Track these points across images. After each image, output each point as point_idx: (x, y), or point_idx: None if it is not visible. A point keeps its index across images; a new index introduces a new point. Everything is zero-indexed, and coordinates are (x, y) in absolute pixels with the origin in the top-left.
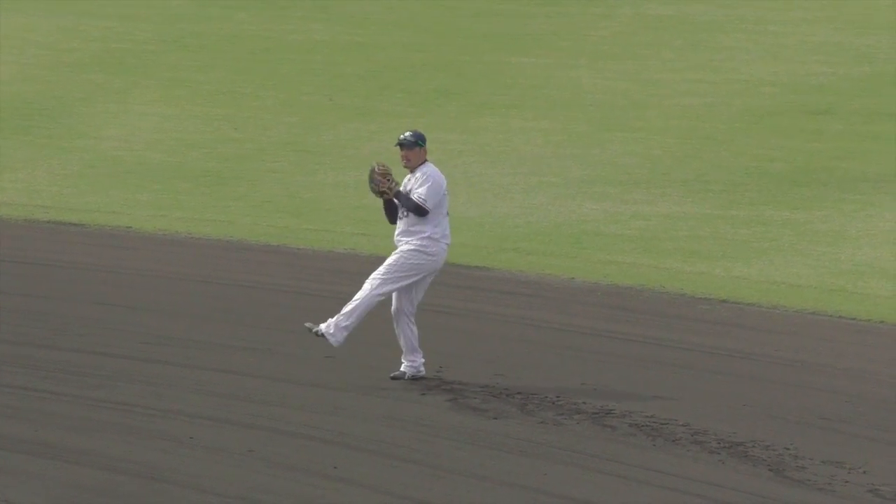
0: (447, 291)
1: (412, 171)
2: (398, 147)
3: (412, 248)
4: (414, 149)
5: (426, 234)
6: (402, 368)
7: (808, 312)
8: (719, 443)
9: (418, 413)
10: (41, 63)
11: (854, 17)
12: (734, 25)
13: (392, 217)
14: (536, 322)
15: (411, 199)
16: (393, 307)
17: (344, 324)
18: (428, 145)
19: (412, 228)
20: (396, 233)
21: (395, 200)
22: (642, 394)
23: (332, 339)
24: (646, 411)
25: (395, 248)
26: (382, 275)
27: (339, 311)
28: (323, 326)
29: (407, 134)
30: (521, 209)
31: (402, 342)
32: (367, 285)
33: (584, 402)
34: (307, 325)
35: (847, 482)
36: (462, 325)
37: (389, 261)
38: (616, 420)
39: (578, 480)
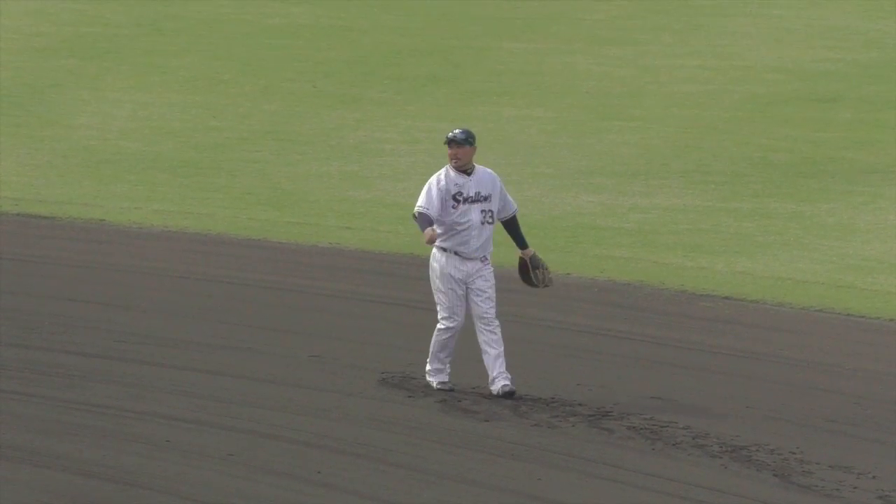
0: None
1: (465, 171)
2: (452, 143)
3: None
4: (464, 147)
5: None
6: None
7: (814, 310)
8: (721, 446)
9: (406, 415)
10: (9, 48)
11: None
12: (737, 9)
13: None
14: (530, 320)
15: (517, 225)
16: None
17: (429, 368)
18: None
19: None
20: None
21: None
22: (641, 395)
23: (435, 384)
24: (645, 413)
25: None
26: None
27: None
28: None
29: (457, 131)
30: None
31: None
32: None
33: (579, 404)
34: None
35: (856, 488)
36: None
37: None
38: (613, 423)
39: (574, 486)
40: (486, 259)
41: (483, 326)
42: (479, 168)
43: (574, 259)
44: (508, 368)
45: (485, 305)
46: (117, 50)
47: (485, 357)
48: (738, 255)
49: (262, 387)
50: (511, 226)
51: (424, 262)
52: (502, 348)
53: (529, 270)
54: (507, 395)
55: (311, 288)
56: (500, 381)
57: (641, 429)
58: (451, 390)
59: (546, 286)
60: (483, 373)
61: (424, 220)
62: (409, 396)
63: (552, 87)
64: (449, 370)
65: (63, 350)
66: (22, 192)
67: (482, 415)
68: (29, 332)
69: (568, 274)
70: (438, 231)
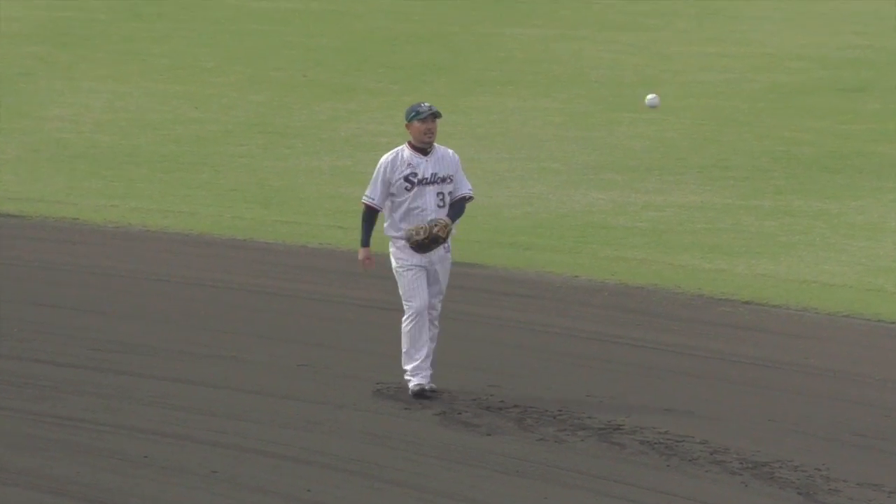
0: None
1: (423, 151)
2: (430, 118)
3: None
4: (436, 122)
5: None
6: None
7: (841, 315)
8: (742, 462)
9: (403, 429)
10: None
11: None
12: None
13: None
14: (535, 326)
15: (461, 205)
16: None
17: (406, 369)
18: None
19: None
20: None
21: (453, 225)
22: (655, 407)
23: (412, 386)
24: (659, 427)
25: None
26: None
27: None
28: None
29: (431, 105)
30: (519, 199)
31: None
32: None
33: (589, 417)
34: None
35: None
36: (451, 330)
37: None
38: (625, 437)
39: None
40: (448, 246)
41: (427, 316)
42: (439, 148)
43: (583, 261)
44: (512, 378)
45: (433, 298)
46: (93, 36)
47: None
48: (759, 257)
49: (247, 398)
50: (454, 205)
51: None
52: (434, 345)
53: (428, 229)
54: (430, 392)
55: (300, 292)
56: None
57: (655, 443)
58: (432, 393)
59: (437, 233)
60: (487, 384)
61: (367, 216)
62: (406, 408)
63: (559, 76)
64: (430, 371)
65: (33, 359)
66: None
67: (484, 428)
68: None
69: (576, 277)
70: (392, 217)
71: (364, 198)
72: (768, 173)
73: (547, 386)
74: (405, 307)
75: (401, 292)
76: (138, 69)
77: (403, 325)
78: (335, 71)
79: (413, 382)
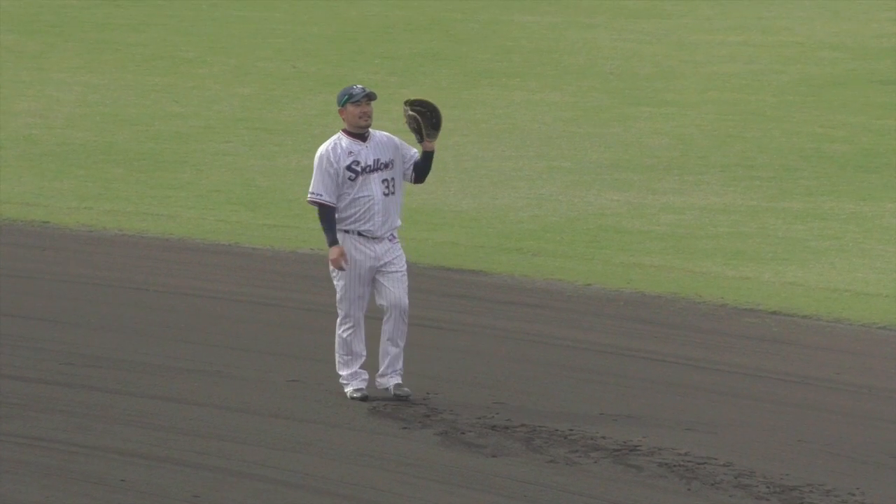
0: (436, 301)
1: (361, 137)
2: (364, 100)
3: None
4: (370, 104)
5: None
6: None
7: (876, 327)
8: (769, 487)
9: (401, 450)
10: None
11: None
12: None
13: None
14: (545, 338)
15: (424, 165)
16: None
17: (341, 374)
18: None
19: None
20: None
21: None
22: (674, 426)
23: (349, 393)
24: (679, 448)
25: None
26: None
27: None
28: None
29: (363, 87)
30: (527, 200)
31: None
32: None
33: (602, 437)
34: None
35: None
36: (454, 342)
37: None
38: (642, 459)
39: None
40: (395, 237)
41: (396, 314)
42: (376, 132)
43: (596, 267)
44: (519, 395)
45: (397, 290)
46: (64, 23)
47: (384, 348)
48: (787, 263)
49: (233, 417)
50: (418, 168)
51: (422, 272)
52: (404, 345)
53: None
54: (403, 397)
55: (290, 301)
56: (394, 378)
57: (675, 466)
58: (365, 399)
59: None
60: (493, 401)
61: (324, 215)
62: (405, 428)
63: (570, 68)
64: (365, 375)
65: (0, 374)
66: None
67: (489, 449)
68: None
69: (589, 285)
70: (340, 212)
71: (310, 196)
72: (797, 173)
73: (557, 403)
74: (340, 310)
75: (339, 296)
76: (113, 59)
77: (339, 330)
78: (327, 62)
79: (351, 387)
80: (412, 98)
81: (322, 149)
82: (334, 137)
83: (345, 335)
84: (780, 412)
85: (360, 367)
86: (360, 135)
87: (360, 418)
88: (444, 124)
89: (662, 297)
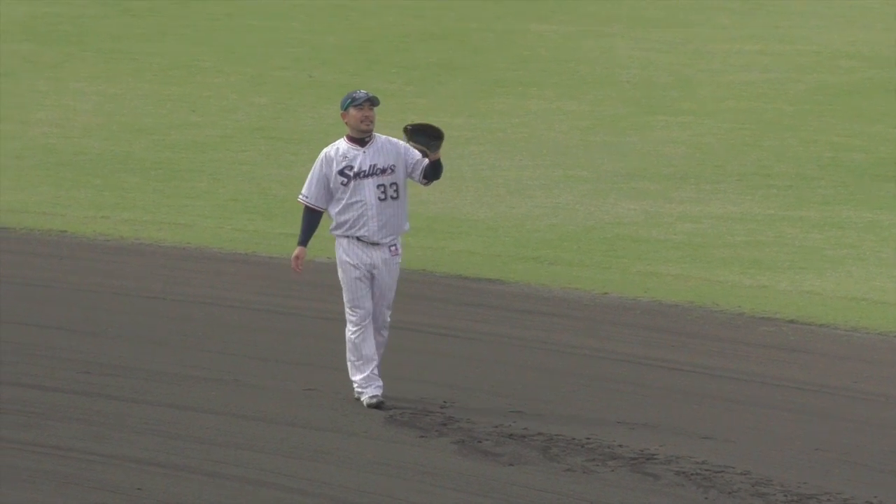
0: (452, 310)
1: (367, 141)
2: (366, 104)
3: None
4: (373, 109)
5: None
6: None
7: (894, 335)
8: (786, 495)
9: (418, 458)
10: None
11: None
12: None
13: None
14: (562, 347)
15: (434, 170)
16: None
17: (354, 380)
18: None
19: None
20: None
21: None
22: (691, 435)
23: (364, 400)
24: (696, 456)
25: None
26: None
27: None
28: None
29: (366, 92)
30: (543, 209)
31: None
32: None
33: (620, 445)
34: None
35: None
36: (471, 351)
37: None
38: (660, 467)
39: None
40: (396, 248)
41: (374, 325)
42: (379, 137)
43: (613, 276)
44: (536, 403)
45: (379, 305)
46: (81, 33)
47: None
48: (804, 272)
49: (249, 426)
50: (428, 173)
51: (439, 280)
52: (381, 355)
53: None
54: (377, 406)
55: (306, 310)
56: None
57: (692, 474)
58: (380, 405)
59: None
60: (510, 410)
61: (305, 217)
62: (422, 436)
63: (587, 77)
64: (380, 382)
65: (18, 383)
66: None
67: (506, 458)
68: None
69: (605, 294)
70: (336, 217)
71: (300, 196)
72: (814, 182)
73: (574, 412)
74: (348, 315)
75: (344, 299)
76: (130, 69)
77: (348, 334)
78: (343, 71)
79: (367, 395)
80: (409, 125)
81: (322, 152)
82: (337, 142)
83: (353, 337)
84: (798, 421)
85: (372, 372)
86: (360, 139)
87: (376, 427)
88: (462, 133)
89: (680, 305)
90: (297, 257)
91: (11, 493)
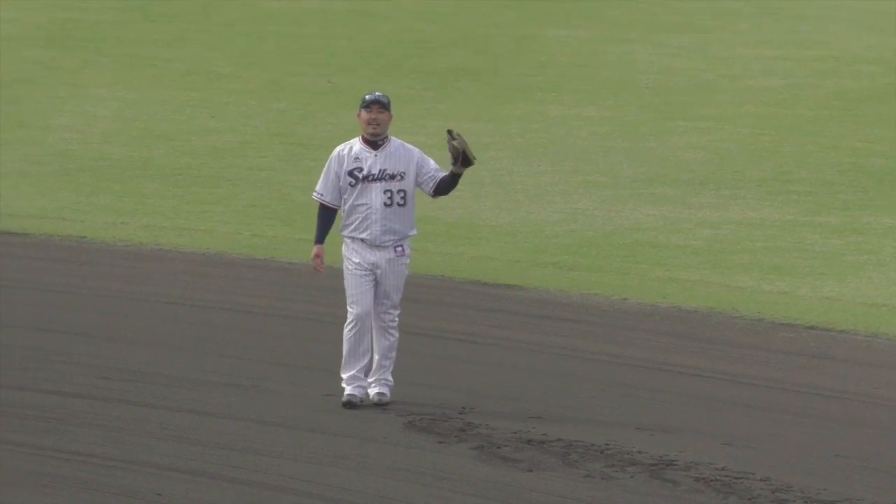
0: (472, 315)
1: (379, 144)
2: (374, 106)
3: None
4: (385, 112)
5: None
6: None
7: None
8: (806, 501)
9: (437, 464)
10: None
11: None
12: None
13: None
14: (581, 353)
15: (447, 186)
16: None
17: (343, 376)
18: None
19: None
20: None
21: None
22: (711, 441)
23: (343, 396)
24: (716, 462)
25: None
26: None
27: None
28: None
29: (378, 94)
30: (562, 215)
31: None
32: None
33: (639, 452)
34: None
35: None
36: (490, 357)
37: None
38: (679, 473)
39: None
40: (402, 249)
41: (379, 324)
42: (394, 142)
43: (632, 282)
44: (555, 409)
45: (384, 304)
46: (99, 39)
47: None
48: (824, 278)
49: (268, 431)
50: (440, 188)
51: (458, 286)
52: (393, 357)
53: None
54: (348, 404)
55: (325, 316)
56: (376, 387)
57: (712, 480)
58: (352, 405)
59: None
60: (528, 416)
61: (320, 215)
62: (441, 442)
63: (606, 82)
64: (364, 382)
65: (37, 389)
66: None
67: (525, 464)
68: None
69: (625, 300)
70: (343, 217)
71: (314, 194)
72: (834, 187)
73: (593, 418)
74: (348, 312)
75: (347, 295)
76: (149, 75)
77: (345, 330)
78: (362, 76)
79: (346, 392)
80: (455, 131)
81: (335, 150)
82: (352, 140)
83: (348, 334)
84: (818, 427)
85: (359, 371)
86: (373, 142)
87: (395, 433)
88: (481, 139)
89: (699, 311)
90: (316, 255)
91: (31, 499)
